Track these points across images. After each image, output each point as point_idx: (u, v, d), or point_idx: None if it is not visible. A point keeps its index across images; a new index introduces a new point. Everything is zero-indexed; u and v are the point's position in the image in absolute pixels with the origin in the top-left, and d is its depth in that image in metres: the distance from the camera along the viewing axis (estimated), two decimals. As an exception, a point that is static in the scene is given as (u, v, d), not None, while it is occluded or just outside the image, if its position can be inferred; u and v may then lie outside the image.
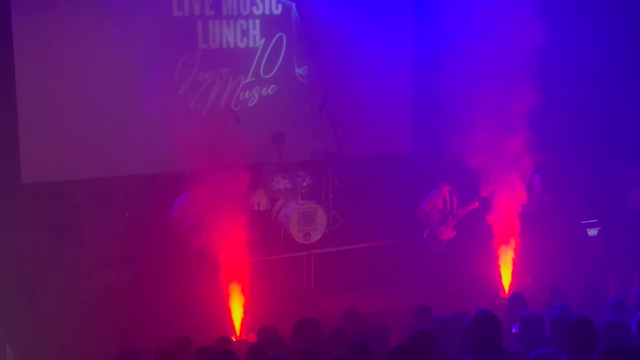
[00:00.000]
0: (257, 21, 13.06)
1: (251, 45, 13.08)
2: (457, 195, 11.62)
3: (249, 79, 13.13)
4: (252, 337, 8.78)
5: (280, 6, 13.18)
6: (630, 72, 13.65)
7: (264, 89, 13.23)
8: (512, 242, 11.88)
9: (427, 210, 11.56)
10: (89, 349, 10.16)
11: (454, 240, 11.65)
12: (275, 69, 13.27)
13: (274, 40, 13.20)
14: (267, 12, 13.10)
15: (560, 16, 13.50)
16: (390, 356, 5.71)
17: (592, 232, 13.86)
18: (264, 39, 13.13)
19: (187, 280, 11.11)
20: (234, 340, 9.76)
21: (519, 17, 13.35)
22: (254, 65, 13.12)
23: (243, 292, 10.67)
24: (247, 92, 13.17)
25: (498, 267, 11.90)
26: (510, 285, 11.32)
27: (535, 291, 9.95)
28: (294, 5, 13.25)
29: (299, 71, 13.44)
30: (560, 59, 13.53)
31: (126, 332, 10.86)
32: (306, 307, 10.92)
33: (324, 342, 7.64)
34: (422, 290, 11.55)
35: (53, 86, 11.85)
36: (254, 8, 13.02)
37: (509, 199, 12.60)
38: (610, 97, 13.74)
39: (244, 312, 10.61)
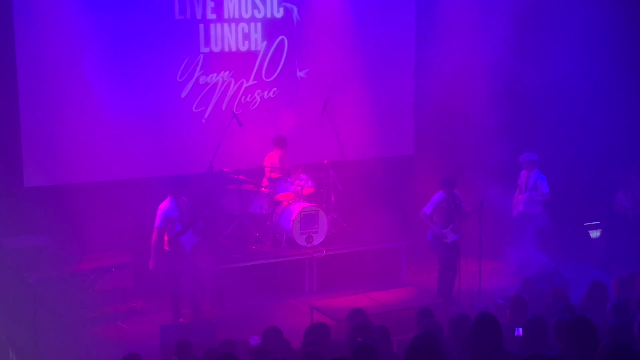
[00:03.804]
0: (259, 24, 13.08)
1: (253, 48, 13.10)
2: (460, 198, 11.61)
3: (250, 82, 13.15)
4: (255, 340, 8.77)
5: (281, 9, 13.19)
6: (630, 76, 13.71)
7: (266, 92, 13.25)
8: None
9: (430, 213, 11.56)
10: (91, 352, 10.17)
11: (457, 243, 11.64)
12: (277, 72, 13.28)
13: (276, 43, 13.21)
14: (268, 15, 13.12)
15: (561, 19, 13.56)
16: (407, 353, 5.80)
17: (595, 233, 13.89)
18: (265, 42, 13.14)
19: (187, 281, 11.12)
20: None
21: (520, 20, 13.41)
22: (255, 68, 13.13)
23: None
24: (249, 95, 13.18)
25: (500, 269, 11.93)
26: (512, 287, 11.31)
27: (538, 293, 9.94)
28: (295, 8, 13.27)
29: (301, 74, 13.45)
30: (560, 61, 13.57)
31: (128, 334, 10.88)
32: (308, 310, 10.91)
33: (331, 345, 7.67)
34: (424, 292, 11.55)
35: (55, 90, 11.86)
36: (256, 11, 13.04)
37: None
38: (610, 99, 13.80)
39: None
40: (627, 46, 13.63)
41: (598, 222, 14.00)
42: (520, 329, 7.37)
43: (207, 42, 12.77)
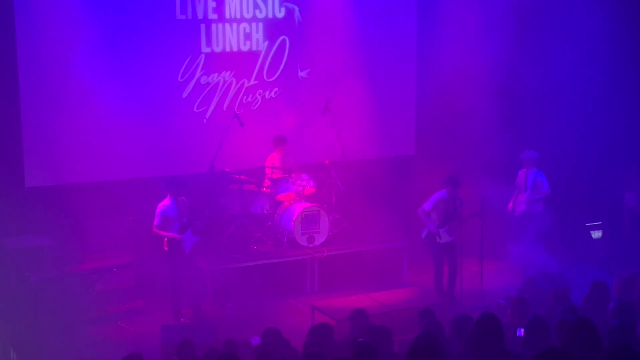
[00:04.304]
0: (260, 24, 13.08)
1: (254, 48, 13.10)
2: (462, 200, 11.58)
3: (252, 82, 13.15)
4: (257, 340, 8.77)
5: (283, 9, 13.19)
6: (630, 75, 13.71)
7: (267, 92, 13.25)
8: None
9: (429, 210, 11.53)
10: (92, 352, 10.16)
11: (451, 245, 11.61)
12: (279, 72, 13.28)
13: (277, 43, 13.22)
14: (270, 15, 13.12)
15: (561, 19, 13.56)
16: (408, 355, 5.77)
17: (596, 234, 13.87)
18: (267, 42, 13.14)
19: (187, 281, 11.12)
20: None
21: (520, 19, 13.40)
22: (257, 68, 13.13)
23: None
24: (250, 95, 13.18)
25: (502, 269, 11.90)
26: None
27: (540, 293, 9.93)
28: (296, 8, 13.27)
29: (302, 74, 13.45)
30: (560, 61, 13.57)
31: (129, 334, 10.88)
32: (309, 310, 10.90)
33: (332, 345, 7.65)
34: (425, 292, 11.54)
35: (56, 90, 11.87)
36: (257, 11, 13.04)
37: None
38: (611, 98, 13.81)
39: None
40: (628, 45, 13.62)
41: (600, 222, 13.98)
42: (522, 330, 7.37)
43: (209, 42, 12.77)
